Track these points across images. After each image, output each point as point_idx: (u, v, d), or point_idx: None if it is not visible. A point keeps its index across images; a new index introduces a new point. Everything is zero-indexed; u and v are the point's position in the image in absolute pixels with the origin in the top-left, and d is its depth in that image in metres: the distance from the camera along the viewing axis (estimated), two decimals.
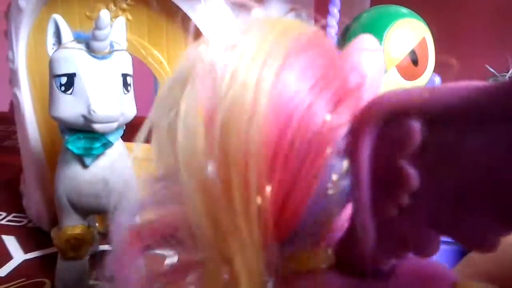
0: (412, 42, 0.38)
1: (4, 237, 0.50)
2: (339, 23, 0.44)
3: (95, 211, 0.39)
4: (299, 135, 0.16)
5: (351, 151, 0.17)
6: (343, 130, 0.16)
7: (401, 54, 0.38)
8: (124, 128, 0.38)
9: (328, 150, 0.16)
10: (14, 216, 0.54)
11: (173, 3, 0.41)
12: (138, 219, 0.20)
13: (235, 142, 0.15)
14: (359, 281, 0.18)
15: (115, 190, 0.37)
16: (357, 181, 0.16)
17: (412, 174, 0.15)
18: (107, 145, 0.36)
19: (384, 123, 0.16)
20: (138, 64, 0.46)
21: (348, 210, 0.18)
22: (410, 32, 0.39)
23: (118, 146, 0.38)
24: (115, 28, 0.37)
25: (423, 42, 0.39)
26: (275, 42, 0.16)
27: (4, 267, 0.44)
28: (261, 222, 0.16)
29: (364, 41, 0.20)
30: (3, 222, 0.53)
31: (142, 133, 0.19)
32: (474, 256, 0.25)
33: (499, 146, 0.13)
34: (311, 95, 0.16)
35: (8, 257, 0.46)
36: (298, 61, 0.16)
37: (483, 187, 0.14)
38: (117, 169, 0.37)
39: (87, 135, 0.35)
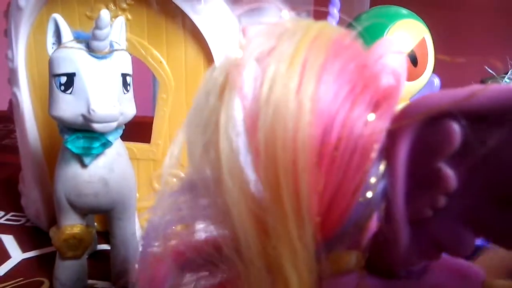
0: (411, 43, 0.39)
1: (2, 236, 0.49)
2: (339, 23, 0.44)
3: (94, 211, 0.39)
4: (343, 139, 0.16)
5: (388, 153, 0.17)
6: (384, 132, 0.16)
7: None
8: (124, 127, 0.38)
9: (373, 153, 0.16)
10: (12, 215, 0.54)
11: (173, 3, 0.41)
12: (165, 239, 0.20)
13: (281, 150, 0.15)
14: (391, 281, 0.18)
15: (114, 190, 0.37)
16: (393, 183, 0.16)
17: (450, 175, 0.15)
18: (106, 144, 0.36)
19: (423, 125, 0.16)
20: (137, 63, 0.46)
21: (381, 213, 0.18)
22: (410, 32, 0.39)
23: (117, 145, 0.37)
24: (114, 27, 0.36)
25: (422, 43, 0.39)
26: (310, 47, 0.16)
27: (2, 266, 0.44)
28: (312, 227, 0.16)
29: (389, 44, 0.20)
30: (1, 221, 0.53)
31: (175, 146, 0.19)
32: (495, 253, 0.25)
33: None
34: (350, 99, 0.16)
35: (6, 256, 0.46)
36: (335, 66, 0.16)
37: None
38: (116, 168, 0.37)
39: (86, 134, 0.35)
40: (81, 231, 0.38)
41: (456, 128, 0.15)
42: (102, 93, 0.33)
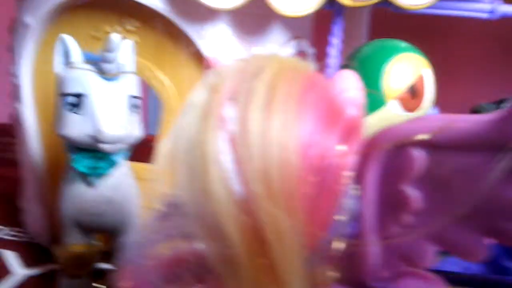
0: (411, 76, 0.40)
1: (3, 251, 0.50)
2: (339, 53, 0.46)
3: (99, 230, 0.41)
4: (316, 168, 0.18)
5: (359, 177, 0.19)
6: (353, 158, 0.19)
7: (400, 87, 0.40)
8: (130, 148, 0.39)
9: (344, 179, 0.18)
10: (12, 230, 0.55)
11: (178, 27, 0.43)
12: (149, 254, 0.21)
13: (271, 183, 0.18)
14: None
15: (119, 210, 0.39)
16: (363, 204, 0.19)
17: (415, 196, 0.18)
18: (113, 164, 0.37)
19: (390, 152, 0.19)
20: None
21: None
22: (409, 66, 0.41)
23: (123, 166, 0.39)
24: (123, 50, 0.38)
25: (421, 76, 0.41)
26: (284, 85, 0.19)
27: (3, 283, 0.45)
28: (303, 234, 0.18)
29: (347, 78, 0.22)
30: (2, 236, 0.54)
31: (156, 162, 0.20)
32: None
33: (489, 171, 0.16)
34: (322, 132, 0.18)
35: (7, 272, 0.47)
36: (308, 102, 0.19)
37: (474, 205, 0.17)
38: (122, 188, 0.39)
39: (93, 154, 0.37)
40: (86, 250, 0.40)
41: (417, 155, 0.18)
42: (110, 115, 0.35)
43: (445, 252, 0.19)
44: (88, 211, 0.38)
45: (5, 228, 0.56)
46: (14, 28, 0.49)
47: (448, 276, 0.21)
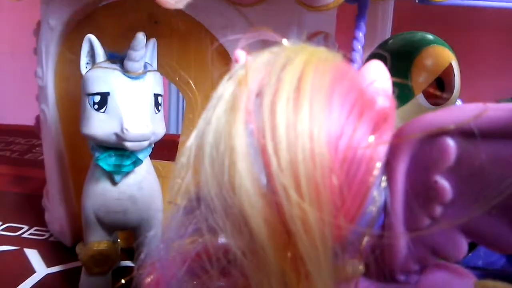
0: (438, 69, 0.40)
1: (27, 250, 0.52)
2: (364, 47, 0.45)
3: (121, 227, 0.41)
4: (347, 160, 0.18)
5: (389, 169, 0.19)
6: (385, 149, 0.19)
7: (428, 80, 0.39)
8: (153, 146, 0.40)
9: (375, 171, 0.18)
10: (36, 230, 0.56)
11: (202, 25, 0.43)
12: (175, 248, 0.21)
13: (302, 164, 0.17)
14: (389, 286, 0.20)
15: (142, 207, 0.39)
16: (392, 195, 0.19)
17: (446, 187, 0.18)
18: (137, 162, 0.38)
19: (421, 142, 0.18)
20: None
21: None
22: (437, 58, 0.40)
23: (147, 163, 0.40)
24: (147, 49, 0.39)
25: (449, 69, 0.40)
26: (314, 76, 0.19)
27: (27, 281, 0.46)
28: (331, 228, 0.18)
29: (376, 69, 0.21)
30: (25, 235, 0.55)
31: (182, 156, 0.20)
32: None
33: None
34: (353, 123, 0.18)
35: (30, 270, 0.48)
36: (338, 93, 0.19)
37: (508, 197, 0.16)
38: (145, 186, 0.39)
39: (117, 152, 0.37)
40: (108, 248, 0.41)
41: (451, 145, 0.18)
42: (135, 113, 0.36)
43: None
44: (112, 209, 0.39)
45: (28, 227, 0.57)
46: (39, 31, 0.50)
47: (472, 271, 0.21)
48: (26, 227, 0.57)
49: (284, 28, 0.45)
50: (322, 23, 0.47)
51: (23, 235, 0.55)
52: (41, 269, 0.48)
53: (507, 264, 0.49)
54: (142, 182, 0.39)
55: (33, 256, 0.50)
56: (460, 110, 0.18)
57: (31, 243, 0.53)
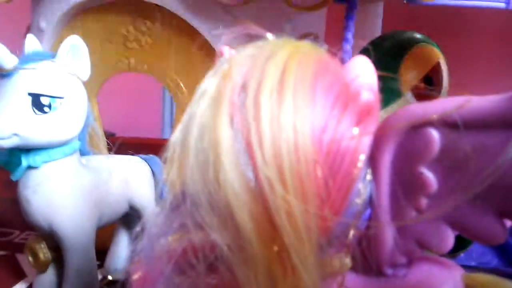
0: (427, 67, 0.40)
1: (18, 255, 0.51)
2: (353, 47, 0.45)
3: (35, 227, 0.39)
4: (331, 152, 0.18)
5: (373, 161, 0.19)
6: (369, 141, 0.19)
7: (417, 78, 0.39)
8: (66, 151, 0.38)
9: (359, 163, 0.17)
10: (27, 234, 0.56)
11: (192, 26, 0.43)
12: (161, 245, 0.21)
13: (286, 157, 0.17)
14: (377, 280, 0.20)
15: (38, 213, 0.37)
16: (378, 188, 0.19)
17: (431, 179, 0.18)
18: (19, 163, 0.37)
19: (405, 134, 0.18)
20: (147, 84, 0.47)
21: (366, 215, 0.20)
22: (425, 57, 0.40)
23: (48, 169, 0.37)
24: (61, 50, 0.37)
25: (437, 67, 0.40)
26: (297, 69, 0.19)
27: (18, 285, 0.46)
28: (317, 221, 0.18)
29: (361, 63, 0.21)
30: (16, 240, 0.55)
31: (167, 151, 0.20)
32: None
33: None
34: (337, 116, 0.18)
35: (22, 275, 0.48)
36: (321, 86, 0.18)
37: (491, 185, 0.16)
38: (40, 191, 0.37)
39: (12, 150, 0.36)
40: (32, 242, 0.40)
41: (435, 136, 0.18)
42: None
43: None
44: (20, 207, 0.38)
45: (19, 231, 0.57)
46: (29, 33, 0.50)
47: (465, 270, 0.21)
48: (17, 232, 0.56)
49: (273, 30, 0.46)
50: (311, 24, 0.48)
51: (14, 240, 0.55)
52: (32, 273, 0.48)
53: (500, 264, 0.49)
54: (37, 186, 0.37)
55: (24, 260, 0.50)
56: (444, 102, 0.18)
57: (22, 248, 0.52)
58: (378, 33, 0.57)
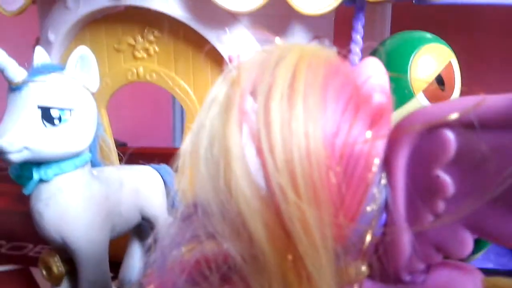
0: (438, 67, 0.39)
1: (32, 269, 0.52)
2: (363, 49, 0.45)
3: (48, 241, 0.39)
4: (345, 157, 0.18)
5: (388, 164, 0.19)
6: (383, 144, 0.18)
7: (428, 78, 0.39)
8: (77, 165, 0.38)
9: (373, 167, 0.17)
10: (40, 248, 0.56)
11: (199, 33, 0.43)
12: (177, 254, 0.20)
13: (298, 163, 0.17)
14: (395, 287, 0.20)
15: (50, 226, 0.37)
16: (393, 192, 0.18)
17: (448, 182, 0.17)
18: (30, 177, 0.36)
19: (420, 136, 0.18)
20: (157, 95, 0.47)
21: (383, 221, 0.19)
22: (436, 57, 0.40)
23: (61, 181, 0.37)
24: (69, 62, 0.37)
25: (449, 67, 0.40)
26: (307, 73, 0.18)
27: None
28: (331, 229, 0.17)
29: (372, 64, 0.21)
30: (30, 254, 0.54)
31: (176, 164, 0.20)
32: None
33: None
34: (349, 119, 0.18)
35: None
36: (332, 90, 0.18)
37: (510, 187, 0.16)
38: (52, 204, 0.37)
39: (23, 164, 0.36)
40: (46, 255, 0.40)
41: (451, 137, 0.17)
42: (3, 124, 0.34)
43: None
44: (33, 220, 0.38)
45: (33, 245, 0.57)
46: (39, 45, 0.50)
47: (483, 273, 0.20)
48: (30, 246, 0.56)
49: (280, 34, 0.46)
50: (319, 27, 0.47)
51: (28, 254, 0.55)
52: (46, 287, 0.48)
53: None
54: (49, 199, 0.37)
55: (38, 274, 0.50)
56: (458, 102, 0.17)
57: (36, 262, 0.52)
58: (387, 34, 0.57)
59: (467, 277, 0.20)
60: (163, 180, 0.44)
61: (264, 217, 0.17)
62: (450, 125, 0.17)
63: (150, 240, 0.21)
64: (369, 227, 0.19)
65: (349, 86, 0.19)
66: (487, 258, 0.48)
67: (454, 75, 0.40)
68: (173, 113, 1.12)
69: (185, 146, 0.19)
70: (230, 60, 0.22)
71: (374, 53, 0.43)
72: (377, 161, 0.18)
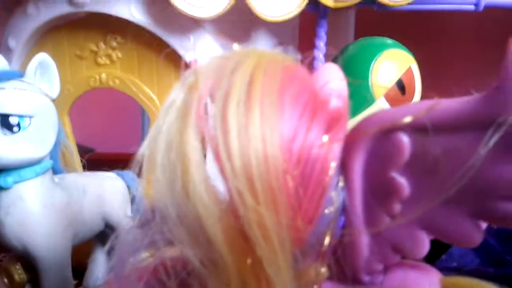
0: (398, 72, 0.40)
1: None
2: (326, 55, 0.45)
3: (8, 248, 0.39)
4: (302, 161, 0.18)
5: (344, 167, 0.19)
6: (339, 148, 0.18)
7: (389, 83, 0.40)
8: (38, 170, 0.37)
9: (330, 170, 0.17)
10: (3, 256, 0.54)
11: (163, 40, 0.43)
12: (134, 261, 0.20)
13: (255, 168, 0.17)
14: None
15: (11, 234, 0.37)
16: (350, 194, 0.19)
17: (403, 184, 0.18)
18: None
19: (375, 139, 0.18)
20: (125, 100, 0.47)
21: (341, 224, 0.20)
22: (396, 62, 0.40)
23: (21, 189, 0.37)
24: (29, 69, 0.37)
25: (409, 71, 0.41)
26: (264, 80, 0.18)
27: None
28: (289, 231, 0.17)
29: (329, 70, 0.21)
30: None
31: (133, 167, 0.20)
32: None
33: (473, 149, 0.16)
34: (306, 124, 0.18)
35: None
36: (289, 95, 0.18)
37: (463, 187, 0.16)
38: (13, 212, 0.36)
39: None
40: (6, 262, 0.40)
41: (405, 140, 0.17)
42: None
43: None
44: None
45: None
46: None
47: (446, 272, 0.21)
48: None
49: (244, 40, 0.46)
50: (283, 34, 0.47)
51: None
52: None
53: (481, 264, 0.49)
54: (9, 207, 0.36)
55: (0, 282, 0.49)
56: (412, 106, 0.18)
57: None
58: (351, 40, 0.57)
59: (424, 276, 0.20)
60: (127, 186, 0.44)
61: (222, 222, 0.17)
62: (404, 128, 0.17)
63: (108, 246, 0.21)
64: (327, 230, 0.19)
65: (306, 91, 0.19)
66: (451, 257, 0.49)
67: (414, 80, 0.41)
68: (142, 118, 1.11)
69: (142, 150, 0.19)
70: (188, 65, 0.22)
71: (336, 59, 0.43)
72: (334, 165, 0.18)
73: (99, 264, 0.46)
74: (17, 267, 0.39)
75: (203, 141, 0.18)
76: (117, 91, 0.47)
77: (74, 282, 0.40)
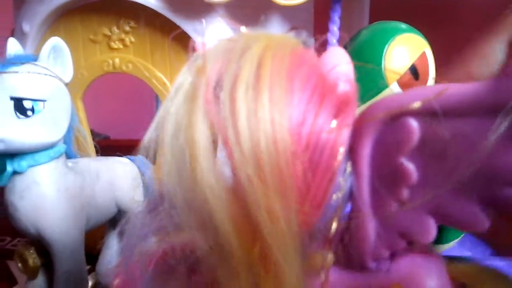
0: (412, 57, 0.40)
1: (9, 262, 0.51)
2: (339, 40, 0.45)
3: (23, 233, 0.39)
4: (311, 146, 0.18)
5: (353, 153, 0.19)
6: (348, 133, 0.18)
7: (402, 68, 0.39)
8: (52, 155, 0.37)
9: (339, 155, 0.17)
10: (18, 241, 0.55)
11: (175, 24, 0.42)
12: (144, 246, 0.20)
13: (265, 152, 0.17)
14: (360, 274, 0.20)
15: (26, 218, 0.37)
16: (358, 180, 0.18)
17: (412, 169, 0.17)
18: (6, 170, 0.36)
19: (384, 124, 0.18)
20: (140, 87, 0.47)
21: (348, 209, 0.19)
22: (410, 47, 0.40)
23: (35, 174, 0.37)
24: (42, 53, 0.37)
25: (423, 57, 0.40)
26: (273, 63, 0.18)
27: None
28: (297, 215, 0.17)
29: (340, 54, 0.21)
30: (7, 246, 0.54)
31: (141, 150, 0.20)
32: None
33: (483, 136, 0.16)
34: (314, 109, 0.18)
35: (13, 282, 0.48)
36: (297, 80, 0.18)
37: (472, 173, 0.16)
38: (27, 196, 0.37)
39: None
40: (21, 247, 0.40)
41: (414, 125, 0.17)
42: None
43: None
44: (8, 212, 0.38)
45: (11, 238, 0.56)
46: (13, 37, 0.49)
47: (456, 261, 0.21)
48: (8, 239, 0.56)
49: (257, 25, 0.45)
50: (298, 18, 0.47)
51: (6, 247, 0.54)
52: (22, 279, 0.47)
53: (492, 254, 0.49)
54: (24, 192, 0.37)
55: (15, 267, 0.50)
56: (421, 91, 0.17)
57: (12, 254, 0.52)
58: (365, 25, 0.57)
59: (431, 263, 0.20)
60: (140, 171, 0.44)
61: (230, 207, 0.17)
62: (413, 113, 0.17)
63: (118, 230, 0.21)
64: (335, 215, 0.19)
65: (314, 75, 0.18)
66: (463, 245, 0.49)
67: (428, 65, 0.40)
68: (156, 105, 1.11)
69: (150, 133, 0.19)
70: (195, 48, 0.21)
71: (349, 43, 0.43)
72: (342, 150, 0.18)
73: (112, 250, 0.47)
74: (31, 251, 0.40)
75: (211, 126, 0.18)
76: (132, 78, 0.48)
77: (87, 267, 0.41)
